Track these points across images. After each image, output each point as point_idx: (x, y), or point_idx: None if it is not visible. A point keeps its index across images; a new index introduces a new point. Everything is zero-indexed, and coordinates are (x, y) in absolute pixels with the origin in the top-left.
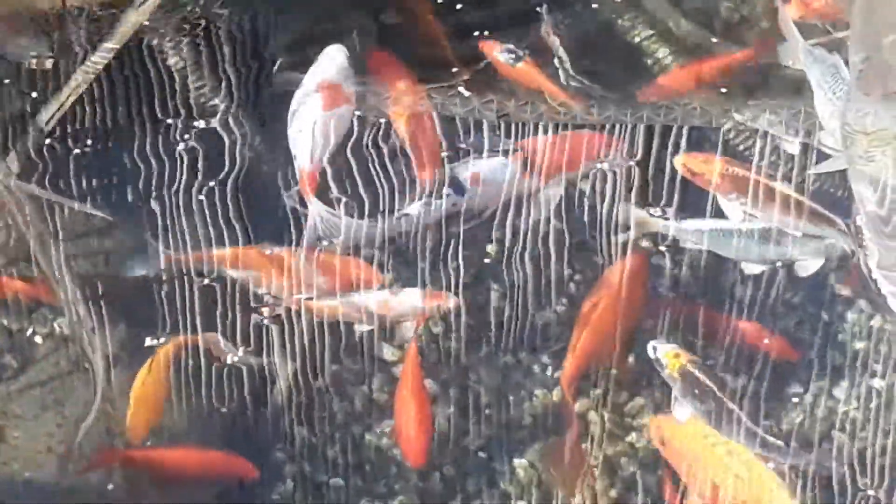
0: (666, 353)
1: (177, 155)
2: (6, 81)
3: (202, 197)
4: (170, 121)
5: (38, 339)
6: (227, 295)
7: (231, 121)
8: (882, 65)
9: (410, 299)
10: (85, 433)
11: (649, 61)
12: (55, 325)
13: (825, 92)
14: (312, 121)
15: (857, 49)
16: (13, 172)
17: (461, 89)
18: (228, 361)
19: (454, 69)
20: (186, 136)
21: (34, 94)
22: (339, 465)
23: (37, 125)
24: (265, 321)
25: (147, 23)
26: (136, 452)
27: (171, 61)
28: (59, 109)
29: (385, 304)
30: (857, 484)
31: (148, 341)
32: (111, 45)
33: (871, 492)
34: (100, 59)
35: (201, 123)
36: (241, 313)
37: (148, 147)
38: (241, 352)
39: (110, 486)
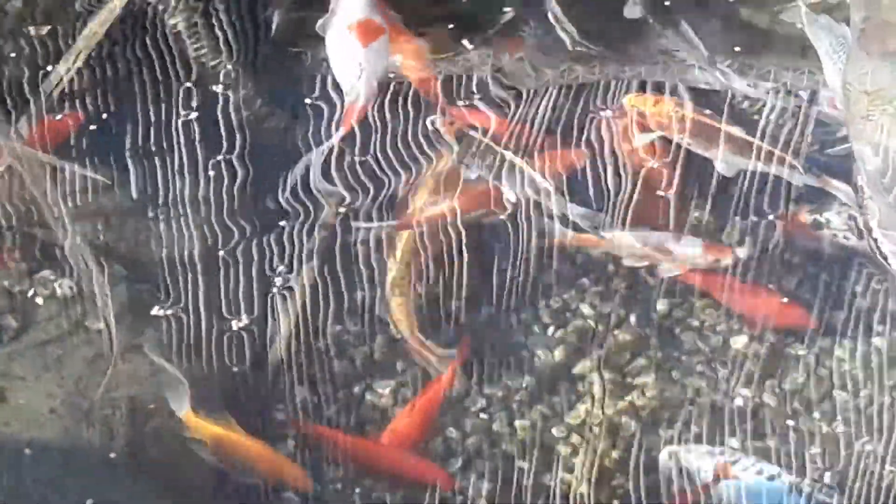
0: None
1: (179, 121)
2: (9, 48)
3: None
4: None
5: (38, 301)
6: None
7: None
8: (882, 24)
9: (692, 249)
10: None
11: (650, 19)
12: (56, 286)
13: (835, 63)
14: (357, 61)
15: (857, 8)
16: (23, 137)
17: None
18: (234, 328)
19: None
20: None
21: (38, 61)
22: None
23: (42, 91)
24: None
25: None
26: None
27: (173, 22)
28: (65, 74)
29: (663, 246)
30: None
31: (155, 311)
32: (112, 7)
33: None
34: (101, 23)
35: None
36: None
37: (151, 113)
38: (245, 319)
39: (112, 455)
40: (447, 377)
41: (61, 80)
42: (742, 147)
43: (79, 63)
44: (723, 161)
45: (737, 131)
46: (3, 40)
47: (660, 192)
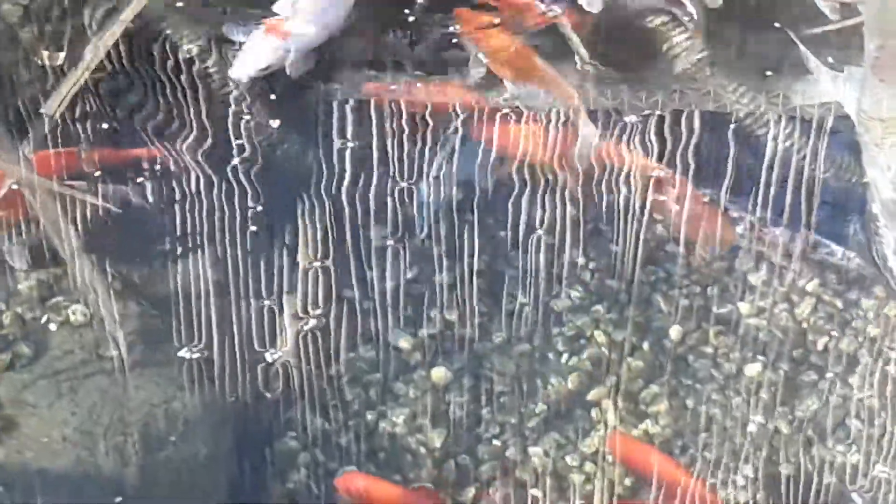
0: None
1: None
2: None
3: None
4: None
5: (52, 327)
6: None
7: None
8: None
9: None
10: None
11: (664, 46)
12: (69, 312)
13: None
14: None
15: (872, 36)
16: (32, 164)
17: None
18: (268, 360)
19: None
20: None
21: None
22: (352, 452)
23: (45, 111)
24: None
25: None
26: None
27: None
28: (67, 94)
29: None
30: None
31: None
32: (115, 29)
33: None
34: (104, 43)
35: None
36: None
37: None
38: (279, 352)
39: (125, 483)
40: None
41: (63, 99)
42: None
43: (83, 81)
44: None
45: None
46: (15, 66)
47: None
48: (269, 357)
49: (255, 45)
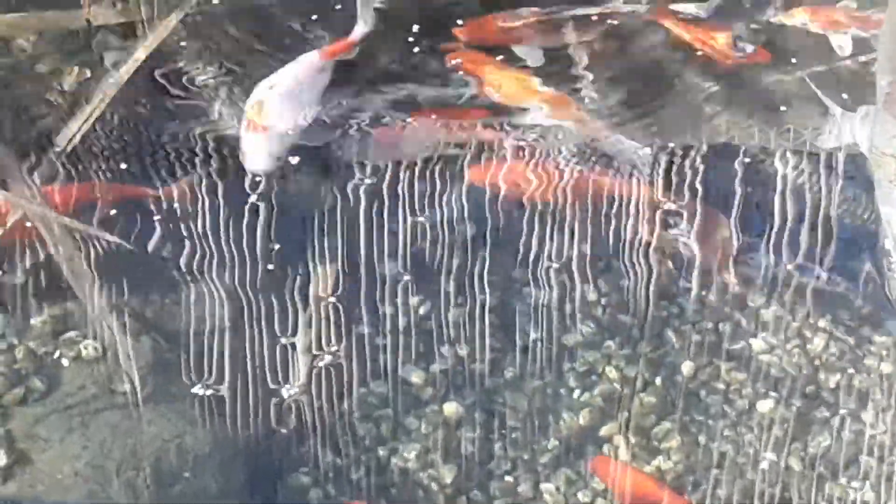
0: None
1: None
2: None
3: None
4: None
5: (64, 362)
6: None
7: None
8: None
9: None
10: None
11: (675, 81)
12: (82, 347)
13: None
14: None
15: (884, 72)
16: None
17: None
18: (283, 396)
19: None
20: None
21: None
22: (363, 488)
23: (57, 146)
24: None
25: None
26: None
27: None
28: (79, 130)
29: None
30: None
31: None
32: (127, 67)
33: None
34: (117, 78)
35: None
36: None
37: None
38: (294, 388)
39: None
40: None
41: (77, 131)
42: None
43: (95, 116)
44: None
45: None
46: (28, 100)
47: None
48: (284, 393)
49: (247, 143)
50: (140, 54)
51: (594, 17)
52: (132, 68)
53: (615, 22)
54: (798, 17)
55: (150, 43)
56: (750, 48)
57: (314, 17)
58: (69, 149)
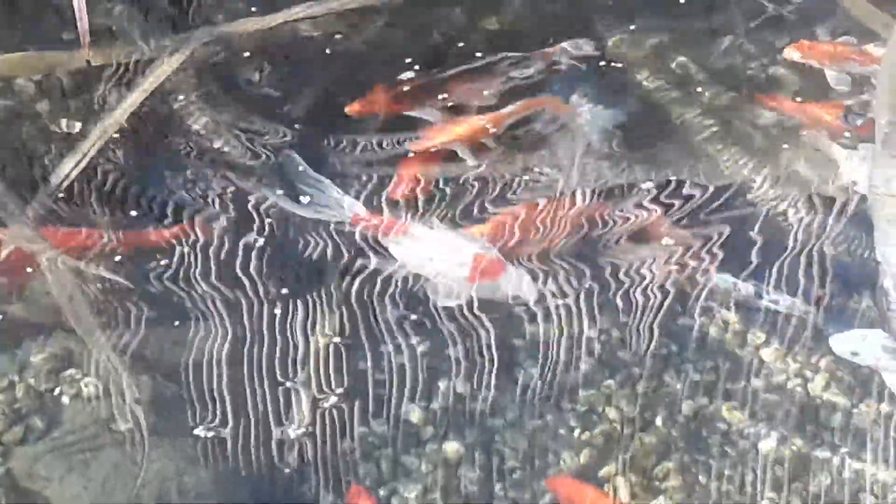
0: None
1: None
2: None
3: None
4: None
5: (65, 400)
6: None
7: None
8: None
9: None
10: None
11: (677, 122)
12: (82, 385)
13: None
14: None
15: (883, 111)
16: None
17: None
18: (280, 437)
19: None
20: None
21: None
22: None
23: (51, 184)
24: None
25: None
26: None
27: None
28: (75, 167)
29: None
30: None
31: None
32: (127, 105)
33: None
34: (115, 119)
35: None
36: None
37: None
38: (299, 428)
39: None
40: None
41: (71, 172)
42: None
43: (92, 154)
44: None
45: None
46: (30, 141)
47: None
48: (290, 433)
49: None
50: (136, 97)
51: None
52: (128, 111)
53: None
54: (795, 53)
55: (147, 86)
56: (860, 121)
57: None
58: (64, 186)
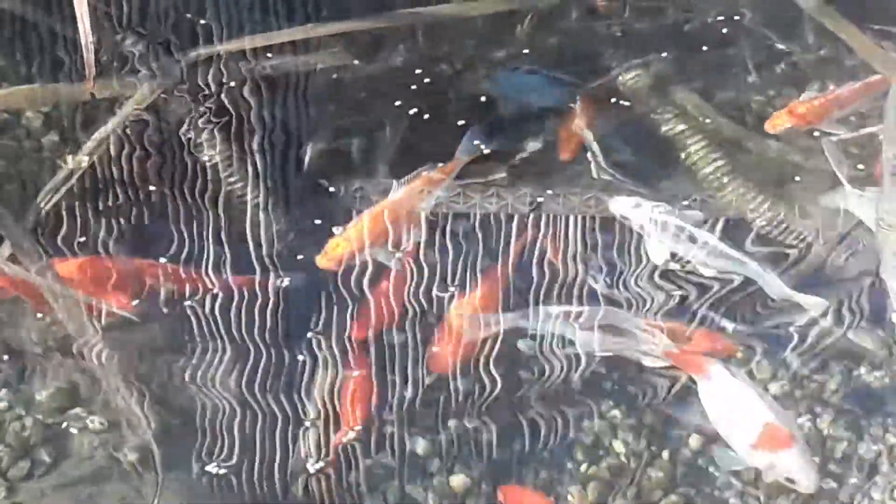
0: None
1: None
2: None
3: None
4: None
5: (73, 430)
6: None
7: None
8: None
9: None
10: None
11: (682, 155)
12: (88, 422)
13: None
14: None
15: (890, 144)
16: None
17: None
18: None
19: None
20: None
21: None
22: None
23: (36, 205)
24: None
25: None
26: None
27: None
28: (60, 190)
29: None
30: None
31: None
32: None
33: None
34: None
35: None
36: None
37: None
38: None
39: None
40: None
41: (55, 194)
42: None
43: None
44: None
45: None
46: (39, 173)
47: None
48: (310, 468)
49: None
50: (110, 125)
51: None
52: (103, 145)
53: None
54: (781, 122)
55: (123, 112)
56: None
57: None
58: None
